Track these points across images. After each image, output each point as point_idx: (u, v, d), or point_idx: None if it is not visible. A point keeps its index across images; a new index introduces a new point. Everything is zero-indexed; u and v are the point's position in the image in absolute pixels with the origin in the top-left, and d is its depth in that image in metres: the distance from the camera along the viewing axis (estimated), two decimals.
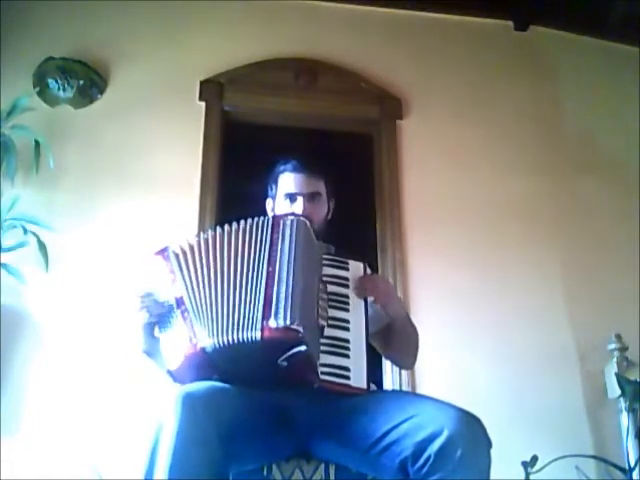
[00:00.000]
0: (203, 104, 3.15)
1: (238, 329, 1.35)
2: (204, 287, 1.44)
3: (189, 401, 1.24)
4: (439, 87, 3.39)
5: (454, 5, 3.52)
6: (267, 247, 1.46)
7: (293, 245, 1.46)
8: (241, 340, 1.34)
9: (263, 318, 1.34)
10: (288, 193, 1.72)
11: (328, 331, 1.43)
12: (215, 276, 1.45)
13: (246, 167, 3.28)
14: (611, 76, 3.52)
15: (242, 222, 1.53)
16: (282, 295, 1.36)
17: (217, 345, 1.36)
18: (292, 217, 1.54)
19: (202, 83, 3.18)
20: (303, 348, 1.32)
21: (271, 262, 1.43)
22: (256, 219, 1.53)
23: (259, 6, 3.39)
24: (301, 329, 1.32)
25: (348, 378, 1.39)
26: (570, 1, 3.46)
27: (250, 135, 3.34)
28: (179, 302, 1.44)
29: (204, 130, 3.10)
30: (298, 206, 1.69)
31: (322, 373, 1.38)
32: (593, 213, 3.22)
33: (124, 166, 2.97)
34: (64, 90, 2.99)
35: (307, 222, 1.55)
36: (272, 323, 1.33)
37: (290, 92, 3.24)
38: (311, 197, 1.72)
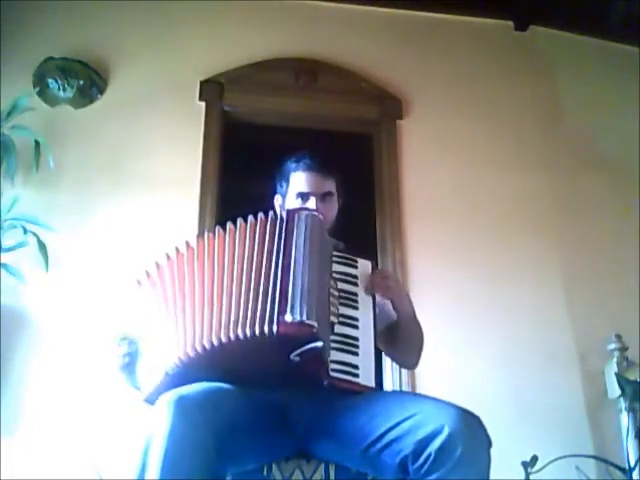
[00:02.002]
0: (203, 104, 3.16)
1: (251, 324, 1.33)
2: (187, 296, 1.43)
3: (182, 404, 1.23)
4: (439, 87, 3.39)
5: (454, 5, 3.52)
6: (282, 241, 1.45)
7: (308, 240, 1.45)
8: (255, 335, 1.32)
9: (279, 313, 1.33)
10: (300, 192, 1.71)
11: (338, 328, 1.43)
12: (213, 277, 1.43)
13: (246, 167, 3.28)
14: (611, 76, 3.52)
15: (252, 217, 1.51)
16: (298, 290, 1.35)
17: (193, 353, 1.35)
18: (306, 212, 1.53)
19: (202, 83, 3.18)
20: (320, 344, 1.31)
21: (286, 256, 1.42)
22: (271, 213, 1.53)
23: (259, 6, 3.39)
24: (316, 324, 1.32)
25: (357, 376, 1.39)
26: (570, 1, 3.46)
27: (250, 135, 3.34)
28: (143, 334, 1.47)
29: (204, 130, 3.10)
30: (310, 206, 1.68)
31: (332, 370, 1.37)
32: (593, 211, 3.22)
33: (124, 166, 2.97)
34: (64, 90, 2.99)
35: (321, 217, 1.55)
36: (288, 317, 1.32)
37: (290, 92, 3.24)
38: (323, 197, 1.71)
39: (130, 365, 1.48)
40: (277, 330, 1.31)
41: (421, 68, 3.42)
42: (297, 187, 1.73)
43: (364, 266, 1.58)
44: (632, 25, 3.46)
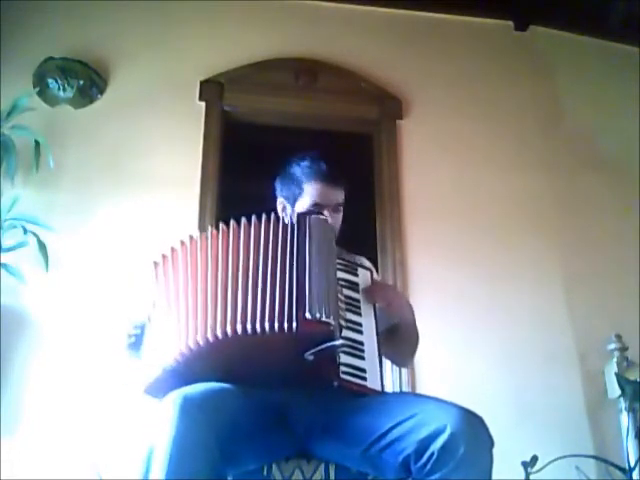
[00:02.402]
0: (203, 104, 3.16)
1: (270, 319, 1.33)
2: (200, 288, 1.43)
3: (185, 405, 1.23)
4: (439, 87, 3.39)
5: (454, 5, 3.52)
6: (295, 243, 1.46)
7: (320, 243, 1.46)
8: (274, 332, 1.32)
9: (297, 310, 1.33)
10: (316, 203, 1.70)
11: (344, 333, 1.43)
12: (227, 272, 1.43)
13: (246, 167, 3.28)
14: (611, 76, 3.52)
15: (265, 216, 1.51)
16: (314, 290, 1.37)
17: (203, 342, 1.35)
18: (316, 216, 1.55)
19: (202, 83, 3.18)
20: (339, 342, 1.33)
21: (300, 258, 1.43)
22: (282, 215, 1.56)
23: (259, 6, 3.39)
24: (334, 323, 1.33)
25: (365, 379, 1.40)
26: (570, 1, 3.46)
27: (250, 135, 3.34)
28: (150, 320, 1.49)
29: (204, 130, 3.10)
30: None
31: (341, 372, 1.38)
32: (593, 211, 3.22)
33: (124, 166, 2.97)
34: (64, 90, 2.99)
35: (330, 221, 1.57)
36: (307, 315, 1.32)
37: (290, 92, 3.24)
38: (335, 208, 1.72)
39: (136, 345, 1.51)
40: (297, 327, 1.32)
41: (421, 68, 3.42)
42: (313, 198, 1.70)
43: (364, 274, 1.61)
44: (632, 25, 3.46)
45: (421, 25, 3.54)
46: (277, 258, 1.43)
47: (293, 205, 1.74)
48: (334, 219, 1.69)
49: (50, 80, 2.98)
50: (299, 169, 1.75)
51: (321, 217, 1.55)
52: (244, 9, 3.38)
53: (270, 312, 1.34)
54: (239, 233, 1.49)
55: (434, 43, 3.51)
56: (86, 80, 3.02)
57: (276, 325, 1.32)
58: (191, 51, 3.26)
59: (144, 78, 3.17)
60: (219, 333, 1.34)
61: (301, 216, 1.54)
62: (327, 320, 1.33)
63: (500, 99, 3.41)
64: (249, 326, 1.33)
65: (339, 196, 1.74)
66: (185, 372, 1.37)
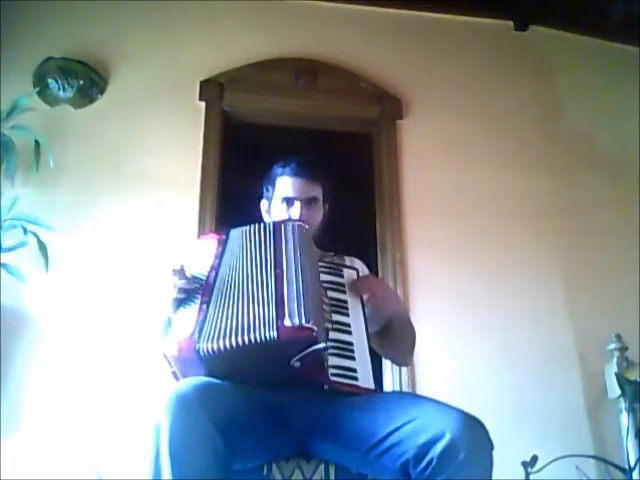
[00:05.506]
0: (203, 104, 3.16)
1: (252, 330, 1.33)
2: (231, 285, 1.45)
3: (182, 399, 1.22)
4: (439, 87, 3.39)
5: (454, 5, 3.52)
6: (272, 251, 1.47)
7: (297, 249, 1.48)
8: (256, 341, 1.32)
9: (277, 318, 1.34)
10: (285, 197, 1.73)
11: (331, 334, 1.45)
12: (239, 275, 1.46)
13: (246, 167, 3.28)
14: (611, 76, 3.52)
15: (240, 228, 1.56)
16: (293, 296, 1.37)
17: (217, 350, 1.34)
18: (292, 222, 1.57)
19: (202, 83, 3.18)
20: (322, 345, 1.32)
21: (277, 265, 1.44)
22: (255, 224, 1.56)
23: (259, 6, 3.39)
24: (315, 327, 1.33)
25: (356, 379, 1.41)
26: (570, 1, 3.46)
27: (250, 135, 3.34)
28: (205, 291, 1.45)
29: (204, 130, 3.10)
30: (295, 211, 1.70)
31: (331, 375, 1.39)
32: (593, 211, 3.22)
33: (124, 166, 2.97)
34: (64, 90, 2.99)
35: (307, 227, 1.58)
36: (287, 322, 1.32)
37: (290, 92, 3.24)
38: (308, 202, 1.73)
39: (182, 303, 1.46)
40: (277, 335, 1.31)
41: (421, 68, 3.43)
42: (282, 192, 1.74)
43: (350, 275, 1.62)
44: (632, 25, 3.46)
45: (421, 25, 3.54)
46: (253, 270, 1.45)
47: (270, 203, 1.79)
48: (308, 213, 1.70)
49: (50, 80, 2.97)
50: (274, 168, 1.78)
51: (297, 223, 1.56)
52: (244, 9, 3.38)
53: (251, 323, 1.34)
54: (219, 247, 1.52)
55: (434, 43, 3.51)
56: (86, 80, 3.02)
57: (257, 336, 1.32)
58: (191, 51, 3.26)
59: (144, 78, 3.17)
60: (216, 345, 1.34)
61: (277, 224, 1.56)
62: (308, 325, 1.32)
63: (500, 99, 3.41)
64: (233, 340, 1.33)
65: (312, 190, 1.74)
66: (205, 363, 1.37)
